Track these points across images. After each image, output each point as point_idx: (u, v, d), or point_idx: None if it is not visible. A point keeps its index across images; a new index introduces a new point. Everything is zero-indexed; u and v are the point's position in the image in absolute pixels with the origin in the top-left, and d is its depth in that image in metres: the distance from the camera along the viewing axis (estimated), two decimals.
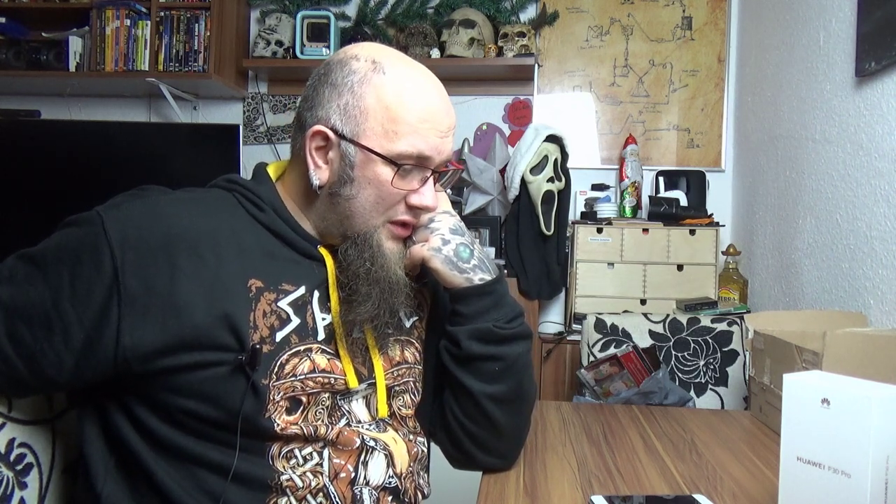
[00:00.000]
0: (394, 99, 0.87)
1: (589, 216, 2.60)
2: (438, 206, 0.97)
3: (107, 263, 0.79)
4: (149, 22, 2.74)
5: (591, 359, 1.94)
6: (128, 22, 2.73)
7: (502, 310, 0.97)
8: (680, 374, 1.95)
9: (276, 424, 0.84)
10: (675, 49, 2.80)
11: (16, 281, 0.81)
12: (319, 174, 0.89)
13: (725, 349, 1.97)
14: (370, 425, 0.92)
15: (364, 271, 0.89)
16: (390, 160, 0.87)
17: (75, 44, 2.78)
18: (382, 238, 0.91)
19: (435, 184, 0.93)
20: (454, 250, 0.95)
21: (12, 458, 0.85)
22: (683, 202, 2.56)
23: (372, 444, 0.90)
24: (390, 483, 0.90)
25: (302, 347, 0.87)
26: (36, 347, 0.80)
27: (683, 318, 2.03)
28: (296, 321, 0.87)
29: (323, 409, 0.89)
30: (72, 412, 0.94)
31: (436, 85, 0.92)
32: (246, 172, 2.13)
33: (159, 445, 0.84)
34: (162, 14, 2.75)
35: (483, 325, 0.95)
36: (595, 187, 2.74)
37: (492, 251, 2.56)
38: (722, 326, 2.00)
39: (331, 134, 0.88)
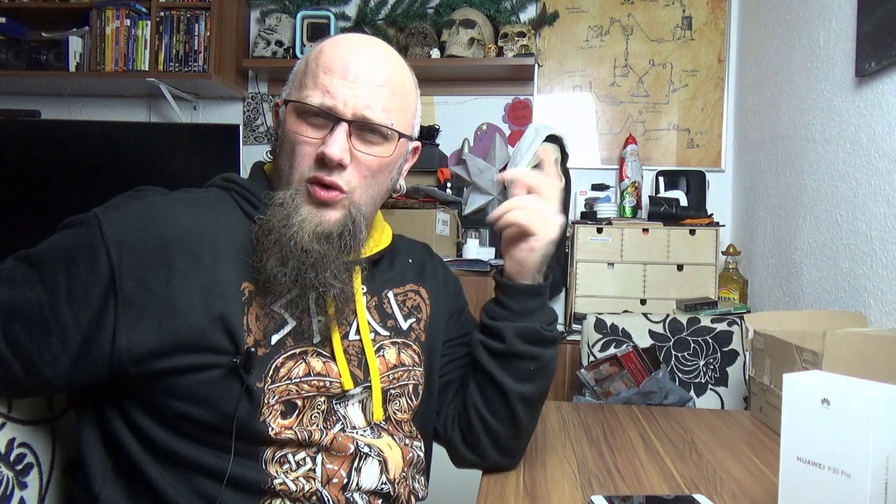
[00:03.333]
0: (313, 55, 0.90)
1: (589, 216, 2.60)
2: (549, 163, 0.98)
3: (103, 265, 0.79)
4: (149, 22, 2.74)
5: (591, 359, 1.94)
6: (128, 22, 2.74)
7: (545, 311, 0.99)
8: (680, 374, 1.95)
9: (270, 428, 0.84)
10: (675, 49, 2.80)
11: (13, 282, 0.81)
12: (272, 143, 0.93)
13: (725, 349, 1.97)
14: (365, 431, 0.91)
15: (268, 228, 0.85)
16: (291, 102, 0.89)
17: (75, 44, 2.78)
18: (300, 200, 0.87)
19: (352, 138, 0.87)
20: None
21: (12, 458, 0.84)
22: (683, 202, 2.56)
23: (366, 450, 0.90)
24: (383, 488, 0.90)
25: (297, 350, 0.87)
26: (32, 349, 0.79)
27: (683, 318, 2.03)
28: (291, 324, 0.87)
29: (318, 412, 0.88)
30: (72, 412, 0.93)
31: (366, 46, 0.90)
32: (245, 172, 2.12)
33: (155, 449, 0.84)
34: (162, 14, 2.75)
35: (531, 324, 0.96)
36: (595, 187, 2.74)
37: (492, 251, 2.56)
38: (722, 326, 2.00)
39: (280, 103, 0.93)
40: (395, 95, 0.90)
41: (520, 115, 2.90)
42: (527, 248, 0.96)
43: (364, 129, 0.88)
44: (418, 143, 0.99)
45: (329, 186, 0.86)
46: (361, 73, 0.87)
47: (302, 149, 0.87)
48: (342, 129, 0.86)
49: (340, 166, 0.86)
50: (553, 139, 2.47)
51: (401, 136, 0.91)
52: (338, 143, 0.85)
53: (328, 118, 0.86)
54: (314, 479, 0.86)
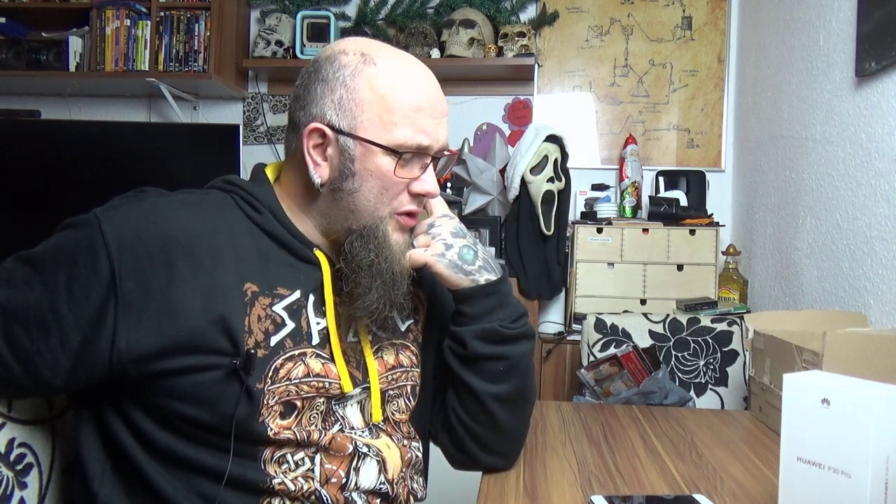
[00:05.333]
0: (388, 88, 0.87)
1: (589, 216, 2.60)
2: (437, 209, 0.99)
3: (104, 266, 0.79)
4: (149, 22, 2.74)
5: (591, 359, 1.94)
6: (128, 22, 2.74)
7: (507, 309, 0.97)
8: (680, 374, 1.95)
9: (269, 429, 0.84)
10: (675, 49, 2.80)
11: (13, 283, 0.81)
12: (320, 172, 0.89)
13: (725, 349, 1.97)
14: (363, 431, 0.92)
15: (367, 263, 0.88)
16: (391, 149, 0.87)
17: (75, 44, 2.78)
18: (389, 230, 0.91)
19: (434, 170, 0.93)
20: (458, 254, 0.95)
21: (12, 458, 0.85)
22: (683, 202, 2.56)
23: (365, 450, 0.90)
24: (381, 488, 0.90)
25: (296, 352, 0.87)
26: (32, 350, 0.79)
27: (683, 318, 2.03)
28: (290, 325, 0.87)
29: (317, 413, 0.88)
30: (71, 412, 0.93)
31: (426, 72, 0.93)
32: (245, 173, 2.13)
33: (154, 449, 0.84)
34: (162, 14, 2.75)
35: (488, 325, 0.95)
36: (595, 187, 2.75)
37: (492, 251, 2.56)
38: (722, 326, 2.00)
39: (328, 130, 0.88)
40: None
41: (520, 115, 2.90)
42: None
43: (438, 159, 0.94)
44: None
45: (414, 215, 0.94)
46: (440, 108, 0.91)
47: (396, 187, 0.90)
48: (432, 164, 0.92)
49: None
50: (553, 139, 2.48)
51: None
52: (434, 180, 0.92)
53: (422, 156, 0.90)
54: (313, 479, 0.86)
